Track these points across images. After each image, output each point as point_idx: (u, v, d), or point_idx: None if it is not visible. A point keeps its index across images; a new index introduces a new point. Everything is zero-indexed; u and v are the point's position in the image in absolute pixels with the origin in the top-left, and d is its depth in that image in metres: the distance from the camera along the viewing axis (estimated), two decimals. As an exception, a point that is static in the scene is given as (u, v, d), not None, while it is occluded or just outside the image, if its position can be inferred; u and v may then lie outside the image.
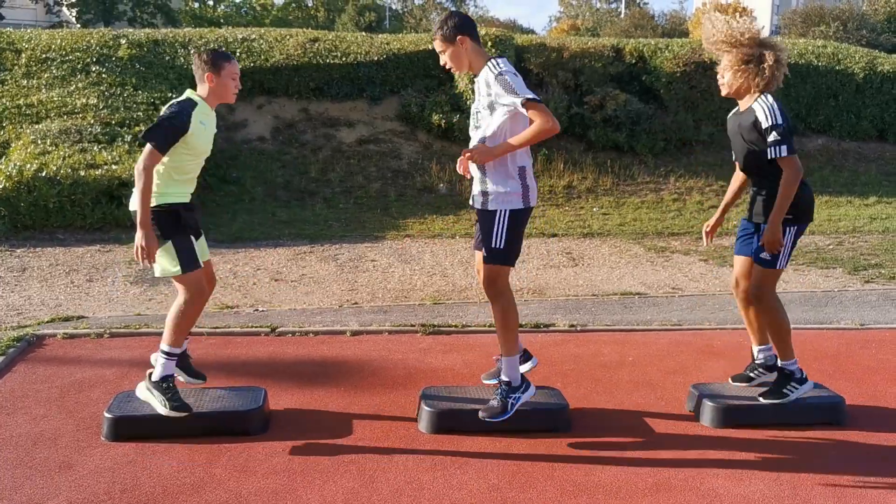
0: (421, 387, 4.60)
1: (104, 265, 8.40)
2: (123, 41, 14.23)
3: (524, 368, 4.32)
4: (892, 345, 5.92)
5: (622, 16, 49.70)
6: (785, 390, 4.29)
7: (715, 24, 4.23)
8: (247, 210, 11.51)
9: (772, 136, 3.96)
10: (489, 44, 14.00)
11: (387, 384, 4.91)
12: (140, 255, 3.81)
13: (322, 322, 6.32)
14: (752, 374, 4.61)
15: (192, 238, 4.04)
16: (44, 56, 13.61)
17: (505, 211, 3.92)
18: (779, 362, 4.36)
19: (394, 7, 60.06)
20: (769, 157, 4.00)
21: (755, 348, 4.63)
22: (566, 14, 59.95)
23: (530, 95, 3.76)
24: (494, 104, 3.88)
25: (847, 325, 6.43)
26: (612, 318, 6.58)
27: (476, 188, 4.05)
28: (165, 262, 3.94)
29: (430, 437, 4.12)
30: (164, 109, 3.96)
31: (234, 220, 10.83)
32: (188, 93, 4.05)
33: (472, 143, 4.04)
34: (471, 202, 4.14)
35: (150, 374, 4.05)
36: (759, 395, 4.33)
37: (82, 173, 9.91)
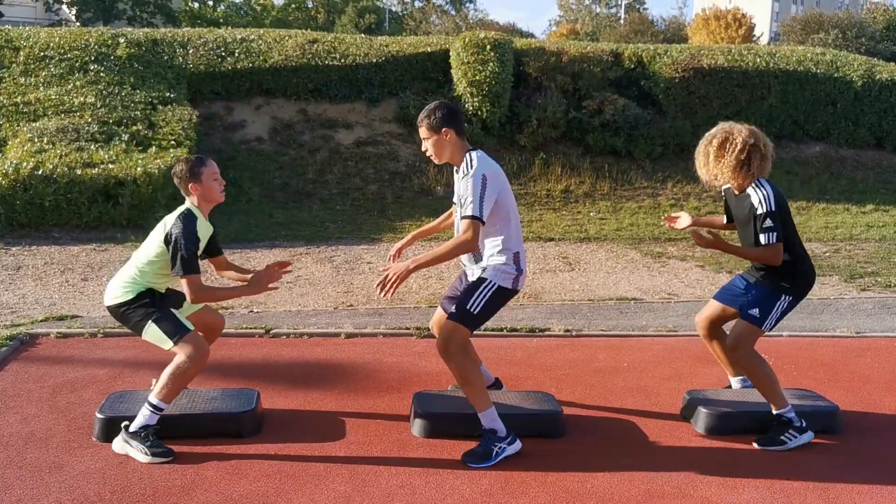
0: (415, 390, 4.58)
1: (99, 264, 8.37)
2: (122, 40, 14.21)
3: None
4: (887, 353, 5.91)
5: (622, 21, 49.75)
6: (783, 437, 4.14)
7: (701, 167, 4.31)
8: (243, 211, 11.49)
9: (766, 223, 4.03)
10: (488, 47, 14.00)
11: (380, 387, 4.89)
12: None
13: (317, 324, 6.30)
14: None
15: (172, 309, 3.96)
16: (42, 54, 13.58)
17: (495, 284, 3.93)
18: (773, 411, 4.20)
19: (394, 9, 60.15)
20: (760, 242, 4.05)
21: (732, 380, 4.66)
22: (566, 18, 60.02)
23: (469, 213, 3.77)
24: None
25: (843, 333, 6.42)
26: (607, 323, 6.57)
27: (472, 267, 4.06)
28: (156, 341, 3.88)
29: (422, 442, 4.10)
30: (170, 225, 3.86)
31: (230, 221, 10.80)
32: (187, 204, 3.96)
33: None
34: (463, 268, 4.17)
35: (126, 426, 3.84)
36: (755, 442, 4.18)
37: (79, 172, 9.89)
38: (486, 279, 3.95)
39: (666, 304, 7.31)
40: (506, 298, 4.02)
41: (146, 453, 3.76)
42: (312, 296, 7.35)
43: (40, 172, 9.73)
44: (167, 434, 3.97)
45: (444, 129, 3.93)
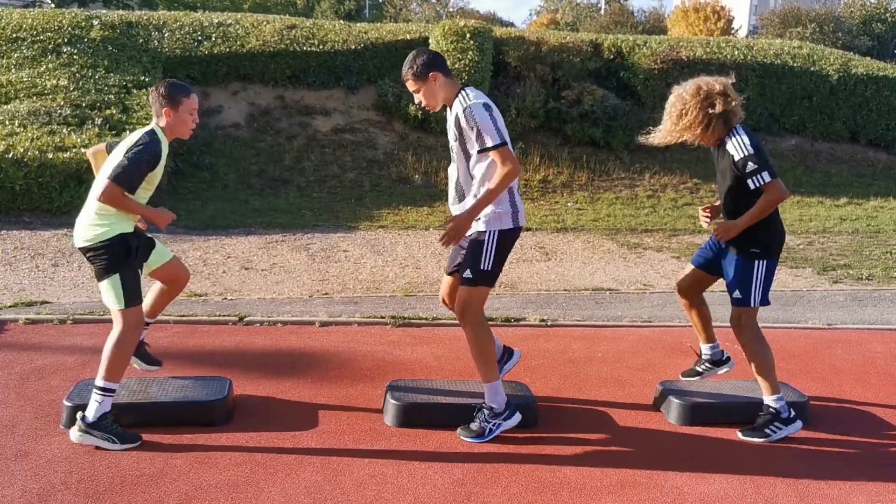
0: (389, 379, 4.56)
1: (70, 250, 8.25)
2: (96, 22, 13.97)
3: (508, 367, 4.31)
4: (857, 345, 5.98)
5: (602, 12, 49.77)
6: (767, 430, 4.14)
7: (667, 120, 4.19)
8: (219, 197, 11.38)
9: (749, 167, 3.92)
10: (467, 35, 13.94)
11: (354, 376, 4.87)
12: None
13: (291, 312, 6.25)
14: (699, 369, 4.62)
15: (139, 270, 3.89)
16: (14, 35, 13.32)
17: (495, 231, 3.91)
18: (765, 399, 4.20)
19: (374, -4, 59.64)
20: (753, 188, 3.93)
21: (702, 346, 4.62)
22: (546, 8, 59.88)
23: (490, 143, 3.74)
24: (465, 139, 3.88)
25: (814, 325, 6.48)
26: (582, 313, 6.58)
27: (455, 207, 4.03)
28: (110, 296, 3.78)
29: (395, 431, 4.09)
30: (131, 143, 3.78)
31: (205, 207, 10.70)
32: (153, 126, 3.88)
33: (451, 183, 4.05)
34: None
35: (83, 416, 3.74)
36: (740, 432, 4.20)
37: (50, 156, 9.72)
38: (485, 231, 3.90)
39: (641, 295, 7.33)
40: (512, 239, 3.98)
41: (115, 442, 3.71)
42: (287, 284, 7.29)
43: (11, 156, 9.54)
44: (136, 422, 3.93)
45: (430, 74, 3.91)
